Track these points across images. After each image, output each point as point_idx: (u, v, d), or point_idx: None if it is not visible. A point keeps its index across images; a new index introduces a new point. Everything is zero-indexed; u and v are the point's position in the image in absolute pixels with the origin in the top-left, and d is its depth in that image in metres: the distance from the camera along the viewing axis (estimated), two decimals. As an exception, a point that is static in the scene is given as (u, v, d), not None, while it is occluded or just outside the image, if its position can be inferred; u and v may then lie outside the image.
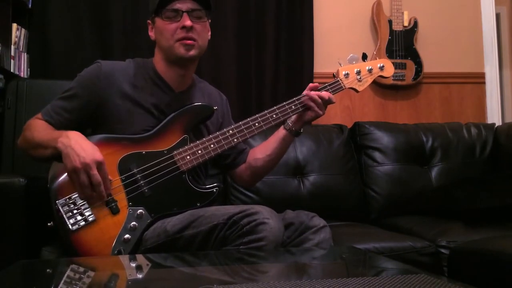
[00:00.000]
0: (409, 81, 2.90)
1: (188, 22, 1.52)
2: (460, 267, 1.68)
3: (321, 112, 1.61)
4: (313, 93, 1.61)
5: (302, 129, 1.67)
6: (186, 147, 1.53)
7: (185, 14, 1.52)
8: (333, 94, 1.64)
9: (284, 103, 1.61)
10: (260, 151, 1.72)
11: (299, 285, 0.89)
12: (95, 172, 1.37)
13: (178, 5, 1.53)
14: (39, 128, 1.52)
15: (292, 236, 1.48)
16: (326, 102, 1.62)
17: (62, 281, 1.03)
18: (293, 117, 1.64)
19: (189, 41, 1.54)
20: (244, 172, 1.75)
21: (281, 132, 1.67)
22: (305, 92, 1.62)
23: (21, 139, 1.57)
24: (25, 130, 1.55)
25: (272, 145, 1.68)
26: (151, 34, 1.62)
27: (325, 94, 1.61)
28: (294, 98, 1.62)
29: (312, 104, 1.60)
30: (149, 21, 1.62)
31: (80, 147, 1.38)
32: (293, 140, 1.70)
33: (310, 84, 1.64)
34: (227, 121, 1.76)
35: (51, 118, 1.54)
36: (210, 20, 1.62)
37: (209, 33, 1.63)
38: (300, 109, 1.62)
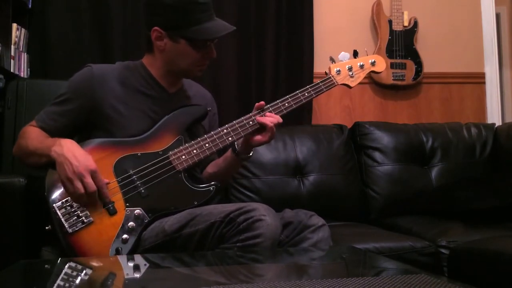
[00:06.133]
0: (409, 81, 2.90)
1: (215, 54, 1.57)
2: (460, 267, 1.68)
3: (269, 139, 1.53)
4: (267, 118, 1.53)
5: (251, 153, 1.62)
6: (181, 147, 1.53)
7: (212, 44, 1.56)
8: (326, 90, 1.64)
9: (288, 96, 1.62)
10: (212, 167, 1.73)
11: (299, 285, 0.89)
12: (89, 180, 1.38)
13: (214, 37, 1.55)
14: (32, 135, 1.52)
15: (290, 235, 1.48)
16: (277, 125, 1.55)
17: (62, 282, 1.03)
18: (240, 141, 1.58)
19: (206, 67, 1.60)
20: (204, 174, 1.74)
21: (228, 153, 1.66)
22: (256, 116, 1.54)
23: (16, 147, 1.57)
24: (19, 138, 1.56)
25: (220, 163, 1.69)
26: (160, 44, 1.55)
27: (276, 117, 1.54)
28: (288, 95, 1.62)
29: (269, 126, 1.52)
30: (158, 29, 1.53)
31: (73, 155, 1.39)
32: (239, 164, 1.68)
33: (257, 104, 1.56)
34: (214, 119, 1.77)
35: (45, 124, 1.54)
36: None
37: None
38: (294, 106, 1.61)
